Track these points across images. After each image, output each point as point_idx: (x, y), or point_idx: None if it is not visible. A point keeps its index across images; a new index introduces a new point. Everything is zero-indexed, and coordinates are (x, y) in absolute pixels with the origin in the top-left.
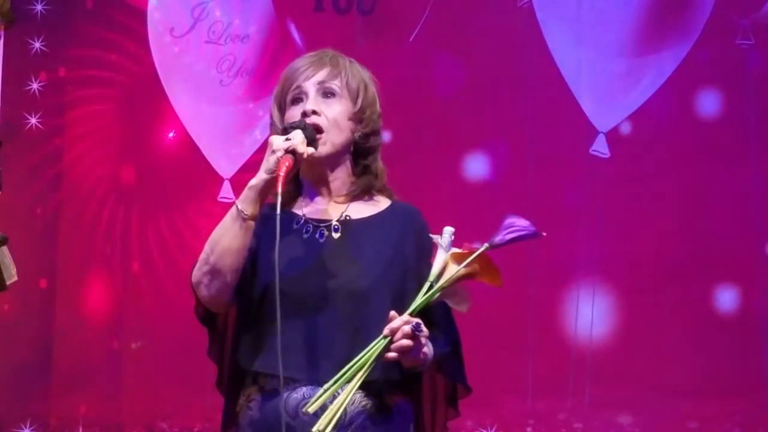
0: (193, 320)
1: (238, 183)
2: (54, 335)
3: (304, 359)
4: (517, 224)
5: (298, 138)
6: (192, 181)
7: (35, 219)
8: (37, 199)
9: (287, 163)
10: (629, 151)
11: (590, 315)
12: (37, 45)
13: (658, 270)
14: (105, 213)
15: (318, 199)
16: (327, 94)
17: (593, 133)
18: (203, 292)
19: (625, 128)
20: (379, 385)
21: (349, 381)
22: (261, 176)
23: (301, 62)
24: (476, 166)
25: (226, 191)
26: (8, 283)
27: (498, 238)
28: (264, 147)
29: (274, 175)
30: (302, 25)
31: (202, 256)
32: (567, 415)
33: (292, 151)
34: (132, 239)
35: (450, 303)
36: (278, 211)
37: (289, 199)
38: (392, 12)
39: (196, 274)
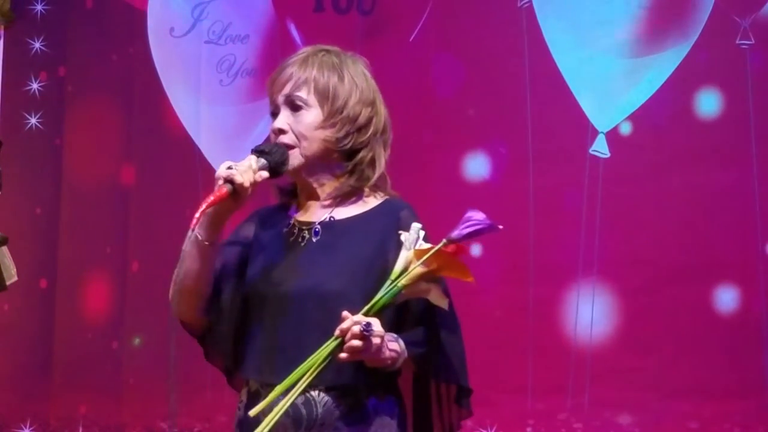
0: None
1: None
2: (54, 335)
3: (281, 363)
4: (474, 218)
5: (242, 166)
6: (192, 181)
7: (35, 219)
8: (37, 199)
9: (215, 195)
10: (629, 151)
11: (590, 315)
12: (37, 45)
13: (658, 270)
14: (105, 213)
15: (308, 202)
16: (294, 106)
17: (593, 133)
18: (175, 309)
19: (625, 128)
20: (352, 385)
21: (296, 382)
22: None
23: (278, 70)
24: (476, 166)
25: None
26: (8, 283)
27: (455, 233)
28: None
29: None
30: (302, 25)
31: (174, 276)
32: (567, 415)
33: (230, 181)
34: (132, 239)
35: (431, 300)
36: (186, 247)
37: (288, 200)
38: (392, 12)
39: (171, 292)
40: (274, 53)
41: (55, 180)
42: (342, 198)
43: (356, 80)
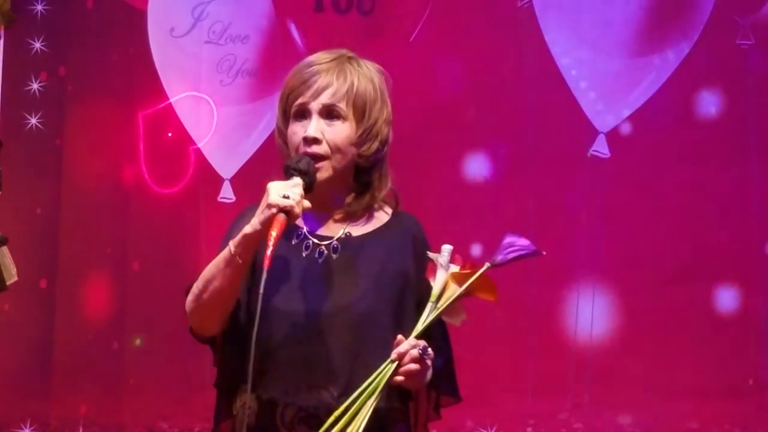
0: None
1: (238, 183)
2: (54, 335)
3: (304, 382)
4: (518, 244)
5: (296, 195)
6: (192, 181)
7: (35, 219)
8: (37, 199)
9: (278, 229)
10: (629, 151)
11: (590, 315)
12: (37, 45)
13: (658, 270)
14: (105, 213)
15: (320, 214)
16: (331, 116)
17: (593, 133)
18: (194, 323)
19: (625, 128)
20: (383, 413)
21: (360, 408)
22: (255, 226)
23: (310, 71)
24: (476, 166)
25: (226, 191)
26: (8, 283)
27: (499, 258)
28: (264, 146)
29: (267, 235)
30: (302, 25)
31: (195, 289)
32: (567, 415)
33: (287, 211)
34: (132, 239)
35: (446, 318)
36: (261, 290)
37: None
38: (392, 12)
39: (189, 305)
40: (274, 53)
41: (55, 180)
42: (355, 213)
43: (384, 97)
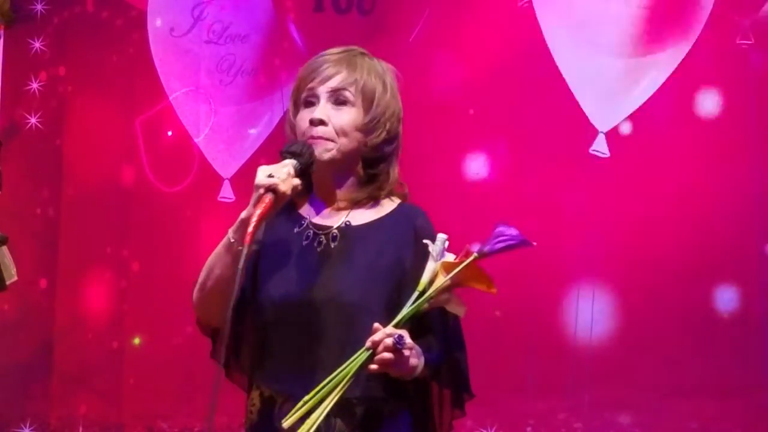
0: (193, 320)
1: (238, 183)
2: (54, 335)
3: (298, 373)
4: (507, 233)
5: (282, 174)
6: (192, 181)
7: (35, 219)
8: (37, 199)
9: (262, 208)
10: (629, 151)
11: (590, 315)
12: (37, 45)
13: (658, 270)
14: (105, 213)
15: (323, 203)
16: (339, 101)
17: (593, 133)
18: (200, 313)
19: (625, 128)
20: (376, 403)
21: (328, 394)
22: (249, 210)
23: (320, 61)
24: (476, 166)
25: (226, 191)
26: (8, 283)
27: (487, 248)
28: (264, 146)
29: (250, 215)
30: (302, 25)
31: (200, 279)
32: (567, 415)
33: (273, 189)
34: (132, 239)
35: (448, 308)
36: (241, 265)
37: (298, 197)
38: (392, 12)
39: (196, 296)
40: (274, 53)
41: (55, 180)
42: (358, 202)
43: (394, 92)
